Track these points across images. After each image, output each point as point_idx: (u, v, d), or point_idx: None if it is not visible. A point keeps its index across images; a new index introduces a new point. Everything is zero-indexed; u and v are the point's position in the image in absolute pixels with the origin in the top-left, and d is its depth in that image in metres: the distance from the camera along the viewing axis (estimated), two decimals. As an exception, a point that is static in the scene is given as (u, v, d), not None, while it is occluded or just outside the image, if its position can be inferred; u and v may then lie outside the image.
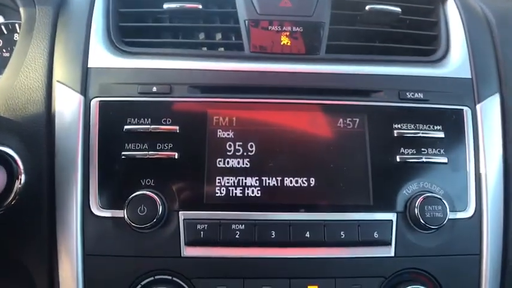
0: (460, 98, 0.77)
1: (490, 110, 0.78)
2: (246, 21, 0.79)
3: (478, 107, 0.77)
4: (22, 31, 0.81)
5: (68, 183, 0.70)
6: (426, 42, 0.85)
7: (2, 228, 0.71)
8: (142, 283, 0.68)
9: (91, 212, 0.69)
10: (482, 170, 0.75)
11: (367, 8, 0.82)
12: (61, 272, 0.70)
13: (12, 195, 0.68)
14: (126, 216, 0.66)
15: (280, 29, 0.79)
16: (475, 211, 0.73)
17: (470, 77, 0.79)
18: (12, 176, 0.69)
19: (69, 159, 0.70)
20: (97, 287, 0.69)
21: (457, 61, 0.81)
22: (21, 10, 0.82)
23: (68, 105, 0.73)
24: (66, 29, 0.79)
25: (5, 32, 0.97)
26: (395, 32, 0.85)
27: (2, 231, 0.72)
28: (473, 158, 0.75)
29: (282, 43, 0.79)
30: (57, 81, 0.74)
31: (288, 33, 0.79)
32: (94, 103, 0.72)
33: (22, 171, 0.69)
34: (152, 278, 0.68)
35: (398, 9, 0.83)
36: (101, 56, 0.76)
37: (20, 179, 0.69)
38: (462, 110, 0.77)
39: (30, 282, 0.73)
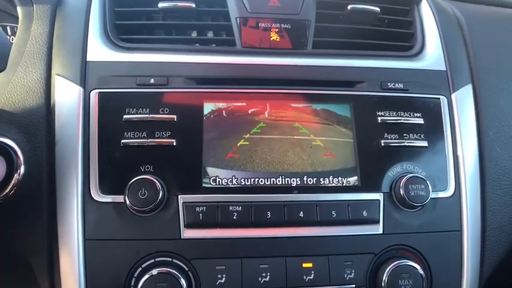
0: (437, 88, 0.84)
1: (463, 98, 0.85)
2: (237, 19, 0.84)
3: (453, 96, 0.84)
4: (20, 28, 0.83)
5: (68, 171, 0.72)
6: (403, 39, 0.92)
7: None
8: (143, 265, 0.69)
9: (91, 197, 0.71)
10: (459, 153, 0.80)
11: (349, 7, 0.88)
12: (62, 259, 0.70)
13: (11, 186, 0.69)
14: (127, 200, 0.69)
15: (269, 26, 0.84)
16: (454, 190, 0.79)
17: (445, 69, 0.86)
18: (11, 166, 0.70)
19: (70, 148, 0.72)
20: (98, 271, 0.70)
21: (432, 55, 0.88)
22: (19, 8, 0.84)
23: (67, 96, 0.75)
24: (65, 26, 0.82)
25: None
26: (375, 29, 0.91)
27: (0, 221, 0.72)
28: (451, 142, 0.81)
29: (271, 39, 0.84)
30: (57, 74, 0.77)
31: (276, 30, 0.84)
32: (93, 94, 0.75)
33: (22, 162, 0.70)
34: (153, 261, 0.69)
35: (377, 9, 0.90)
36: (99, 51, 0.79)
37: (19, 171, 0.70)
38: (439, 98, 0.83)
39: (29, 272, 0.73)
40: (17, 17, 0.87)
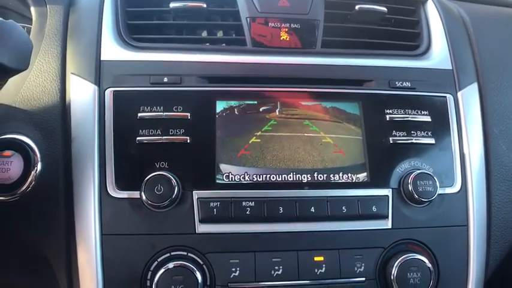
0: (443, 87, 0.86)
1: (469, 96, 0.87)
2: (248, 19, 0.85)
3: (459, 94, 0.86)
4: (34, 29, 0.84)
5: (85, 168, 0.73)
6: (410, 39, 0.94)
7: (17, 215, 0.73)
8: (159, 259, 0.71)
9: (108, 193, 0.72)
10: (465, 150, 0.82)
11: (356, 7, 0.90)
12: (79, 254, 0.72)
13: (28, 183, 0.71)
14: (143, 196, 0.70)
15: (279, 25, 0.86)
16: (461, 186, 0.81)
17: (451, 68, 0.88)
18: (28, 163, 0.72)
19: (86, 146, 0.74)
20: (115, 265, 0.71)
21: (438, 54, 0.90)
22: (32, 9, 0.86)
23: (82, 95, 0.77)
24: (78, 26, 0.83)
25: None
26: (382, 29, 0.93)
27: (18, 218, 0.74)
28: (457, 139, 0.83)
29: (281, 38, 0.86)
30: (72, 73, 0.78)
31: (286, 30, 0.86)
32: (108, 93, 0.77)
33: (39, 159, 0.72)
34: (168, 255, 0.71)
35: (384, 9, 0.91)
36: (113, 51, 0.80)
37: (36, 168, 0.72)
38: (445, 97, 0.85)
39: (47, 267, 0.75)
40: (29, 18, 0.88)
